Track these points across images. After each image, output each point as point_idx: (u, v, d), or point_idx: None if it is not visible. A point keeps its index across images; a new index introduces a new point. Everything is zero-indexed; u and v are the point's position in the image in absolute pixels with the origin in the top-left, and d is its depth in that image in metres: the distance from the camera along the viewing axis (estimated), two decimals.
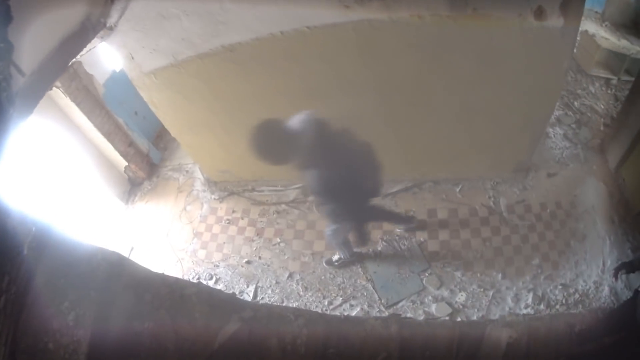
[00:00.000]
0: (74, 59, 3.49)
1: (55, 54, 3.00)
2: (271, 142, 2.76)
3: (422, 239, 4.40)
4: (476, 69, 3.49)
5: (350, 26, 3.25)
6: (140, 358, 2.14)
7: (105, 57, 4.99)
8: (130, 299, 2.13)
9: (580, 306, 3.87)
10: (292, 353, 1.94)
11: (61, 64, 3.26)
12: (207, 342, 1.95)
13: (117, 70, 5.19)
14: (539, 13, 3.12)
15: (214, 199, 5.25)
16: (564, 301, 3.94)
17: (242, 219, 4.98)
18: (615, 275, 3.12)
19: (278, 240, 4.72)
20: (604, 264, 4.02)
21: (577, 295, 3.93)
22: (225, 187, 5.28)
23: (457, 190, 4.64)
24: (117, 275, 2.15)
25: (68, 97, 4.66)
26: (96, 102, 5.02)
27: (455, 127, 4.05)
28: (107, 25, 3.59)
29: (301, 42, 3.40)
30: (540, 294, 3.99)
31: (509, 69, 3.49)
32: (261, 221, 4.88)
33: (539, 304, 3.94)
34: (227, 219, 5.02)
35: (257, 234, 4.82)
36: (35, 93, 3.02)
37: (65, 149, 4.88)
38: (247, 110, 4.08)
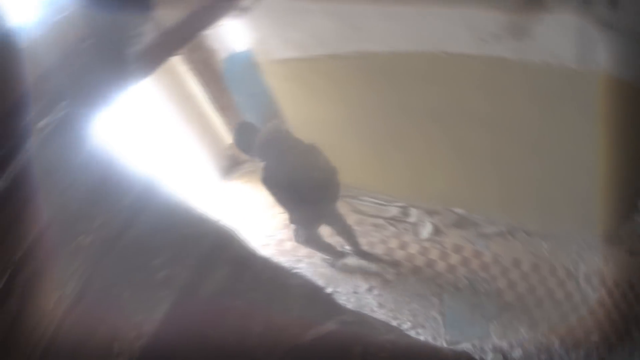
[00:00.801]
0: (202, 32, 3.64)
1: (185, 22, 3.12)
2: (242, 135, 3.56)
3: (501, 286, 4.29)
4: (591, 125, 3.43)
5: (482, 60, 3.28)
6: (221, 332, 2.19)
7: (230, 34, 5.03)
8: (228, 274, 2.19)
9: None
10: None
11: (189, 33, 3.42)
12: (297, 334, 1.96)
13: (239, 50, 5.26)
14: None
15: None
16: None
17: None
18: None
19: (369, 251, 4.70)
20: None
21: None
22: None
23: (545, 246, 4.47)
24: (221, 248, 2.21)
25: (187, 66, 4.84)
26: (214, 76, 5.15)
27: (558, 177, 3.96)
28: (241, 6, 3.74)
29: (432, 65, 3.43)
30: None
31: (625, 132, 3.41)
32: (356, 229, 4.85)
33: None
34: None
35: None
36: (158, 56, 3.20)
37: (174, 116, 5.08)
38: (366, 117, 4.21)
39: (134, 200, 2.19)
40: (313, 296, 2.08)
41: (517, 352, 3.83)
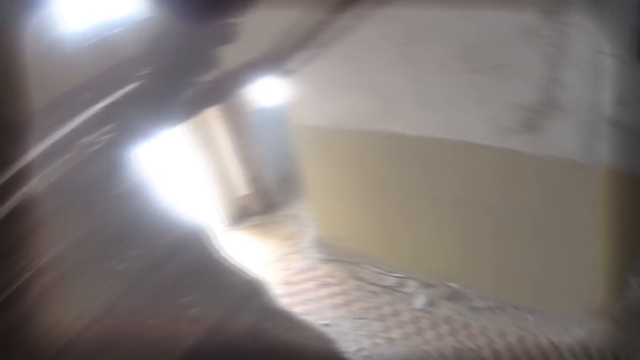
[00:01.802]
0: (246, 86, 3.82)
1: (232, 75, 3.25)
2: None
3: (485, 355, 4.47)
4: (590, 217, 3.70)
5: (498, 151, 3.56)
6: None
7: (263, 88, 5.18)
8: (253, 321, 2.48)
9: None
10: None
11: (234, 86, 3.58)
12: None
13: (270, 105, 5.44)
14: None
15: (318, 258, 5.46)
16: None
17: (337, 285, 5.15)
18: None
19: (362, 315, 4.86)
20: None
21: None
22: (331, 252, 5.45)
23: (532, 320, 4.66)
24: (250, 297, 2.52)
25: (219, 113, 5.06)
26: (242, 127, 5.35)
27: (552, 261, 4.22)
28: (286, 68, 3.96)
29: (452, 152, 3.72)
30: None
31: (621, 224, 3.70)
32: (353, 294, 5.05)
33: None
34: (323, 281, 5.23)
35: (345, 304, 4.98)
36: (203, 102, 3.26)
37: (196, 157, 5.25)
38: (382, 193, 4.48)
39: (173, 240, 2.39)
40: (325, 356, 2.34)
41: None
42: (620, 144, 3.26)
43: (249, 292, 2.53)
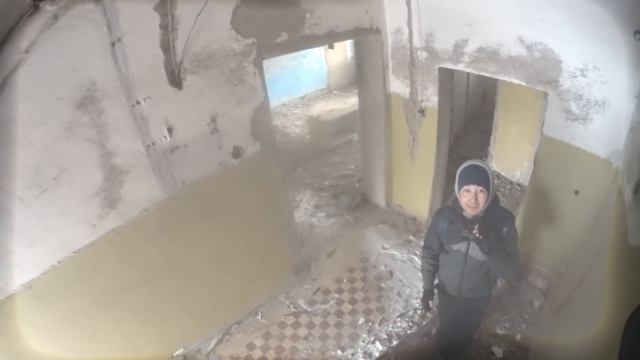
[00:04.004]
0: None
1: None
2: None
3: None
4: (212, 223, 3.87)
5: (102, 240, 3.29)
6: None
7: None
8: None
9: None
10: None
11: None
12: None
13: None
14: (237, 152, 3.72)
15: None
16: (411, 323, 4.31)
17: None
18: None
19: None
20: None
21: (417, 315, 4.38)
22: None
23: (259, 317, 4.60)
24: None
25: None
26: None
27: (225, 272, 4.21)
28: None
29: (72, 265, 3.25)
30: (385, 336, 4.22)
31: (241, 207, 4.01)
32: None
33: (390, 342, 4.14)
34: None
35: None
36: None
37: None
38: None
39: None
40: None
41: None
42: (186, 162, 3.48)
43: None
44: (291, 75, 10.44)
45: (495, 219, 2.68)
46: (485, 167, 2.59)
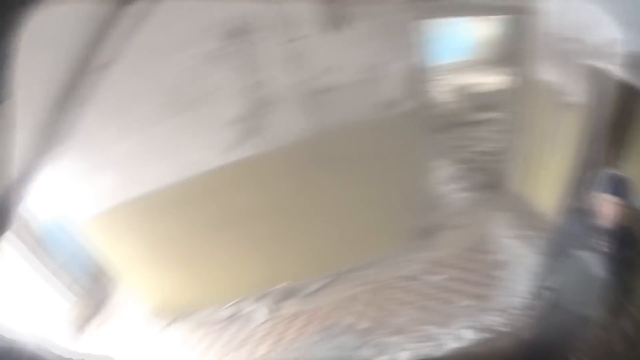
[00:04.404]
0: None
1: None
2: None
3: (350, 321, 4.55)
4: (350, 169, 4.03)
5: (234, 165, 3.65)
6: None
7: (41, 201, 5.02)
8: None
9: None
10: None
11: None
12: None
13: (52, 215, 5.34)
14: (390, 104, 3.71)
15: (160, 326, 5.29)
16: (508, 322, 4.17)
17: (188, 340, 5.01)
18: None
19: (225, 352, 4.73)
20: (534, 277, 4.11)
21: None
22: (168, 316, 5.34)
23: (372, 272, 4.85)
24: None
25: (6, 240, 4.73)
26: (35, 242, 5.18)
27: (352, 218, 4.46)
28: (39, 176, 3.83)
29: (202, 183, 3.73)
30: (480, 327, 4.22)
31: (380, 158, 4.07)
32: (206, 340, 4.92)
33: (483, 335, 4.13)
34: (174, 343, 5.08)
35: (206, 352, 4.83)
36: None
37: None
38: (178, 245, 4.39)
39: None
40: None
41: (403, 355, 4.16)
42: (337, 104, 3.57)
43: None
44: (446, 40, 9.99)
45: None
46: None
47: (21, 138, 2.93)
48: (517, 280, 4.58)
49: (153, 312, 5.44)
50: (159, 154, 3.63)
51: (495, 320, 4.26)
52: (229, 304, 5.04)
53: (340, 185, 4.08)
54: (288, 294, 4.80)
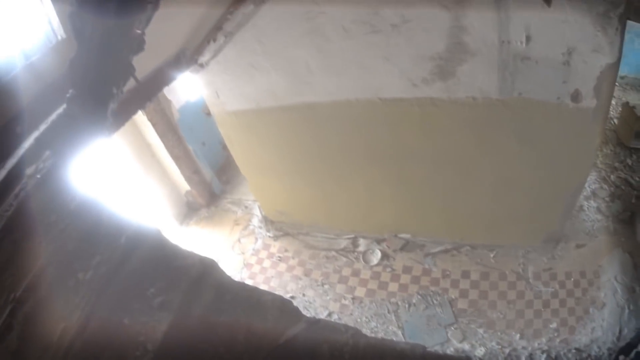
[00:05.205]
0: (165, 86, 3.90)
1: (151, 78, 3.41)
2: None
3: (453, 297, 4.77)
4: (516, 146, 3.97)
5: (415, 102, 3.74)
6: (211, 344, 2.59)
7: (183, 85, 5.39)
8: (213, 296, 2.63)
9: None
10: (338, 358, 2.39)
11: (154, 88, 3.66)
12: (274, 338, 2.42)
13: (192, 100, 5.66)
14: (576, 96, 3.59)
15: (269, 236, 5.74)
16: None
17: (293, 258, 5.41)
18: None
19: (323, 281, 5.13)
20: (620, 332, 4.20)
21: None
22: (281, 228, 5.72)
23: (492, 255, 5.00)
24: (207, 275, 2.67)
25: (146, 117, 5.18)
26: (170, 126, 5.50)
27: (493, 197, 4.50)
28: (200, 62, 4.12)
29: (371, 110, 3.87)
30: (553, 355, 4.22)
31: (544, 147, 3.96)
32: (310, 263, 5.32)
33: None
34: (279, 256, 5.47)
35: (305, 274, 5.24)
36: (128, 110, 3.40)
37: (134, 164, 5.41)
38: (313, 162, 4.67)
39: (127, 240, 2.54)
40: (283, 307, 2.53)
41: (480, 351, 4.37)
42: (529, 76, 3.50)
43: (203, 270, 2.67)
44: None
45: None
46: None
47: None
48: (605, 328, 4.50)
49: (268, 219, 5.87)
50: (343, 68, 3.72)
51: (568, 357, 4.23)
52: (346, 236, 5.37)
53: (499, 158, 4.09)
54: (407, 247, 5.04)
